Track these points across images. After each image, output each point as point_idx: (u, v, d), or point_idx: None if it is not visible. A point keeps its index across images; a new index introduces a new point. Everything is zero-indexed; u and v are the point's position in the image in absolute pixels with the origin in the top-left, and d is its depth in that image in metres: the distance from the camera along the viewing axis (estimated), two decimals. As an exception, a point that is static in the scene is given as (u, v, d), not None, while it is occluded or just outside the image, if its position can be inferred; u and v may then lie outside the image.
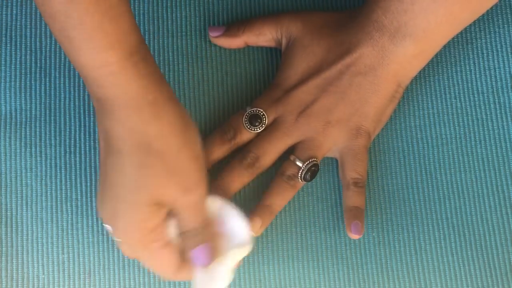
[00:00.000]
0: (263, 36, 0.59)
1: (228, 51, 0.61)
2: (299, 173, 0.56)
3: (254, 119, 0.56)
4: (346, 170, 0.57)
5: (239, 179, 0.56)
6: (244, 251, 0.53)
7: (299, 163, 0.56)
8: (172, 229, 0.51)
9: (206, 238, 0.51)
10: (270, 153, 0.56)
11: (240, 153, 0.57)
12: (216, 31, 0.59)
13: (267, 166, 0.57)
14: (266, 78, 0.61)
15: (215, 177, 0.56)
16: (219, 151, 0.57)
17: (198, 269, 0.52)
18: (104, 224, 0.51)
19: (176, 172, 0.48)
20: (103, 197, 0.49)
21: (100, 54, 0.44)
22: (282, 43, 0.59)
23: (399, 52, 0.55)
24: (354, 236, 0.56)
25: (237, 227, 0.53)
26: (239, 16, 0.61)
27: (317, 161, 0.56)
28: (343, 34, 0.57)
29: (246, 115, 0.56)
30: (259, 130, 0.57)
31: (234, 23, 0.60)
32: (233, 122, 0.57)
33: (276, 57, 0.61)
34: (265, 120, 0.56)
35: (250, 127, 0.56)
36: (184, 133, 0.48)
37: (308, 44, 0.57)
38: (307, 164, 0.56)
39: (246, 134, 0.57)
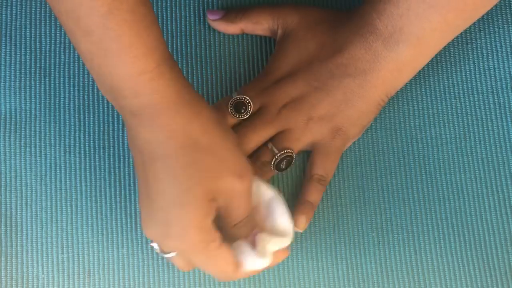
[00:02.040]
0: (260, 25, 0.60)
1: (224, 36, 0.61)
2: (272, 161, 0.56)
3: (239, 106, 0.56)
4: (314, 165, 0.57)
5: None
6: (286, 241, 0.53)
7: (274, 150, 0.57)
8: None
9: (254, 225, 0.52)
10: (252, 140, 0.56)
11: None
12: (215, 14, 0.60)
13: (248, 153, 0.57)
14: (259, 65, 0.61)
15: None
16: None
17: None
18: (151, 244, 0.51)
19: (227, 161, 0.48)
20: (150, 212, 0.49)
21: (140, 62, 0.44)
22: (277, 34, 0.59)
23: (391, 58, 0.55)
24: (296, 229, 0.56)
25: (280, 216, 0.53)
26: (238, 5, 0.62)
27: (292, 152, 0.57)
28: (338, 33, 0.57)
29: (232, 101, 0.57)
30: (244, 117, 0.57)
31: (233, 10, 0.60)
32: (218, 107, 0.57)
33: (270, 46, 0.61)
34: (250, 107, 0.57)
35: (235, 113, 0.57)
36: (221, 124, 0.49)
37: (302, 38, 0.58)
38: (282, 154, 0.56)
39: (230, 120, 0.57)
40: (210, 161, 0.48)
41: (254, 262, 0.51)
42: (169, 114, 0.46)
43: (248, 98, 0.57)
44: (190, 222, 0.48)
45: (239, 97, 0.57)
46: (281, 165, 0.57)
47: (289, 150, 0.57)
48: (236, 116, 0.57)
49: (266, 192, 0.54)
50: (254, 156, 0.57)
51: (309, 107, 0.57)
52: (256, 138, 0.57)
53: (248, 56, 0.61)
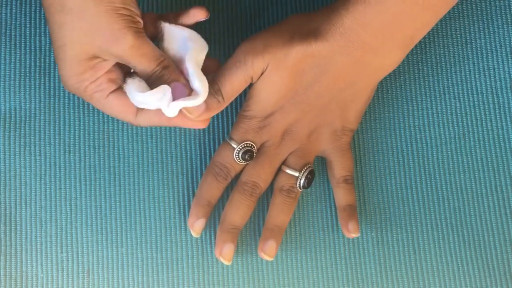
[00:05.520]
0: (240, 90, 0.54)
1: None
2: (297, 183, 0.57)
3: (245, 153, 0.56)
4: (336, 169, 0.58)
5: (246, 209, 0.57)
6: (196, 101, 0.50)
7: (294, 173, 0.57)
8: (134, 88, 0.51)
9: (173, 75, 0.51)
10: (266, 177, 0.57)
11: (237, 185, 0.57)
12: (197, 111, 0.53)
13: (266, 188, 0.58)
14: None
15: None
16: (219, 192, 0.57)
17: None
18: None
19: (96, 26, 0.48)
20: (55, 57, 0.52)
21: None
22: (253, 81, 0.55)
23: (383, 63, 0.54)
24: (352, 236, 0.57)
25: (193, 76, 0.51)
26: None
27: (311, 166, 0.57)
28: (316, 55, 0.52)
29: (237, 151, 0.56)
30: (250, 160, 0.57)
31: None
32: (223, 160, 0.57)
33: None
34: (255, 151, 0.57)
35: (241, 161, 0.57)
36: None
37: (278, 79, 0.53)
38: (303, 172, 0.57)
39: (239, 167, 0.57)
40: (76, 25, 0.48)
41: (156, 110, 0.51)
42: None
43: (253, 144, 0.56)
44: (68, 74, 0.50)
45: (245, 144, 0.56)
46: (305, 183, 0.57)
47: (308, 166, 0.57)
48: (243, 163, 0.57)
49: (186, 43, 0.52)
50: (276, 187, 0.57)
51: (307, 125, 0.56)
52: (270, 172, 0.57)
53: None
